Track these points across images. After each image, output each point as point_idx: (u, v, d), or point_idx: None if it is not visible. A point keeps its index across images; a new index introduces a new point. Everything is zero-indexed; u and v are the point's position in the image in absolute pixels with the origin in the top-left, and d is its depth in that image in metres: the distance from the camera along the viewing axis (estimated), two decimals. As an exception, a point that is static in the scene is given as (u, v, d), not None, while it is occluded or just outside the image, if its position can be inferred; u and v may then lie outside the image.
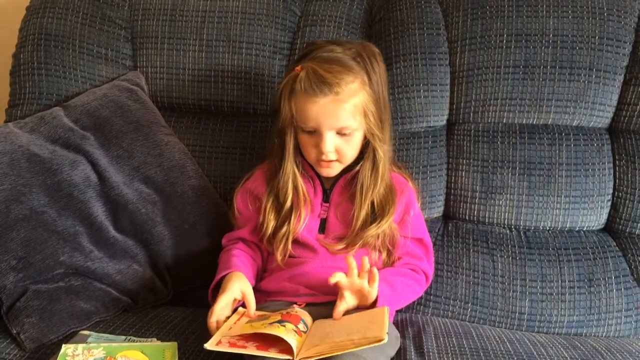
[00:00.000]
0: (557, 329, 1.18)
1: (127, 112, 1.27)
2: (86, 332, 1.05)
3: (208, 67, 1.34)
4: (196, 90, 1.36)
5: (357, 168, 1.10)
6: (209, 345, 0.89)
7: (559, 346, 1.07)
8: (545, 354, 1.03)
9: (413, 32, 1.30)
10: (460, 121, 1.31)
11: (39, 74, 1.35)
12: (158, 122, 1.29)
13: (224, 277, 1.03)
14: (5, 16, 1.61)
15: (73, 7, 1.37)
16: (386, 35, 1.32)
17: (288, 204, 1.09)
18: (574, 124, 1.28)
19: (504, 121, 1.29)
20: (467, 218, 1.28)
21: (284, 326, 0.92)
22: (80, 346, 0.98)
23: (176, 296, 1.24)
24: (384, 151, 1.09)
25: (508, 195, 1.25)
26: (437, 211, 1.29)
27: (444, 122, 1.31)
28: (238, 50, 1.34)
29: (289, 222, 1.09)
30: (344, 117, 1.03)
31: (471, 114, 1.29)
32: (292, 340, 0.88)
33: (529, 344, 1.07)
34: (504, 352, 1.03)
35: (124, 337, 1.03)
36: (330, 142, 1.04)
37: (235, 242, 1.14)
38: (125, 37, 1.37)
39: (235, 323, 0.97)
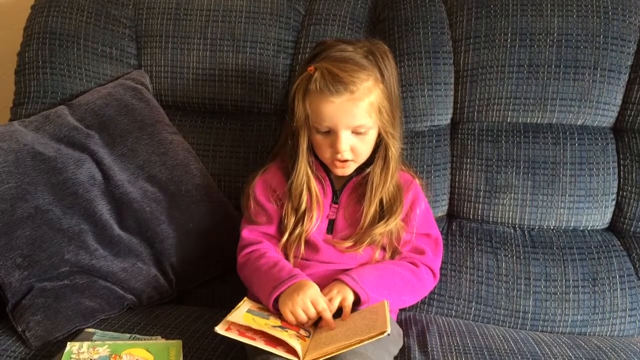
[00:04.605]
0: (561, 328, 1.18)
1: (132, 110, 1.27)
2: (91, 330, 1.06)
3: (212, 66, 1.34)
4: (200, 89, 1.36)
5: (369, 170, 1.10)
6: (219, 329, 0.90)
7: (563, 345, 1.07)
8: (549, 353, 1.03)
9: (417, 31, 1.30)
10: (465, 120, 1.31)
11: (43, 72, 1.36)
12: (162, 121, 1.30)
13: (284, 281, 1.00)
14: (10, 15, 1.61)
15: (78, 6, 1.37)
16: (390, 34, 1.32)
17: (304, 206, 1.09)
18: (578, 123, 1.28)
19: (508, 120, 1.29)
20: (471, 217, 1.28)
21: (287, 332, 0.93)
22: (85, 344, 0.98)
23: (181, 294, 1.24)
24: (396, 148, 1.09)
25: (512, 195, 1.25)
26: (441, 210, 1.29)
27: (448, 121, 1.31)
28: (242, 49, 1.34)
29: (302, 224, 1.09)
30: (359, 115, 1.03)
31: (475, 113, 1.29)
32: (296, 344, 0.90)
33: (533, 343, 1.07)
34: (508, 351, 1.03)
35: (128, 335, 1.04)
36: (346, 142, 1.04)
37: (261, 242, 1.11)
38: (129, 36, 1.37)
39: (237, 309, 0.98)
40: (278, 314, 0.99)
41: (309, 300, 0.96)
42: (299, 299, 0.96)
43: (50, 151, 1.18)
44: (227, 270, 1.23)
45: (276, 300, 0.99)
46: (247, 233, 1.12)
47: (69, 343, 0.99)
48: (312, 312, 0.96)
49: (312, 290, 0.98)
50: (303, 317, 0.96)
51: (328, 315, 0.97)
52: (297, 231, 1.09)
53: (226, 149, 1.33)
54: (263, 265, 1.05)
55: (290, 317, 0.96)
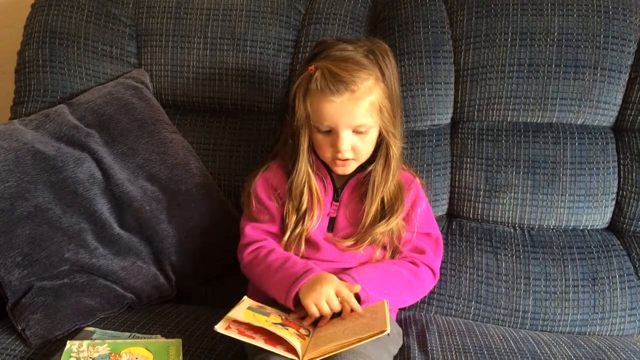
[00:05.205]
0: (560, 328, 1.18)
1: (132, 109, 1.27)
2: (91, 329, 1.06)
3: (212, 65, 1.34)
4: (200, 88, 1.36)
5: (370, 168, 1.10)
6: (219, 328, 0.90)
7: (563, 345, 1.07)
8: (549, 352, 1.03)
9: (417, 30, 1.30)
10: (465, 120, 1.31)
11: (43, 71, 1.36)
12: (162, 120, 1.30)
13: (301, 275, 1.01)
14: (11, 14, 1.61)
15: (78, 4, 1.37)
16: (390, 34, 1.32)
17: (304, 205, 1.09)
18: (578, 123, 1.28)
19: (509, 120, 1.29)
20: (471, 216, 1.28)
21: (287, 329, 0.92)
22: (85, 342, 0.98)
23: (180, 293, 1.24)
24: (397, 147, 1.09)
25: (512, 194, 1.25)
26: (441, 209, 1.29)
27: (448, 120, 1.31)
28: (242, 48, 1.34)
29: (303, 222, 1.09)
30: (360, 114, 1.03)
31: (475, 113, 1.29)
32: (296, 342, 0.89)
33: (532, 342, 1.07)
34: (507, 351, 1.03)
35: (128, 334, 1.04)
36: (347, 141, 1.04)
37: (265, 239, 1.11)
38: (130, 35, 1.37)
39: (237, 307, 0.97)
40: (280, 312, 0.99)
41: (333, 290, 0.96)
42: (322, 290, 0.96)
43: (50, 150, 1.18)
44: (227, 269, 1.24)
45: (296, 296, 0.99)
46: (250, 230, 1.11)
47: (68, 342, 0.99)
48: (336, 303, 0.96)
49: (334, 281, 0.98)
50: (326, 309, 0.96)
51: (354, 301, 0.97)
52: (298, 230, 1.09)
53: (226, 148, 1.33)
54: (274, 261, 1.05)
55: (313, 309, 0.96)
